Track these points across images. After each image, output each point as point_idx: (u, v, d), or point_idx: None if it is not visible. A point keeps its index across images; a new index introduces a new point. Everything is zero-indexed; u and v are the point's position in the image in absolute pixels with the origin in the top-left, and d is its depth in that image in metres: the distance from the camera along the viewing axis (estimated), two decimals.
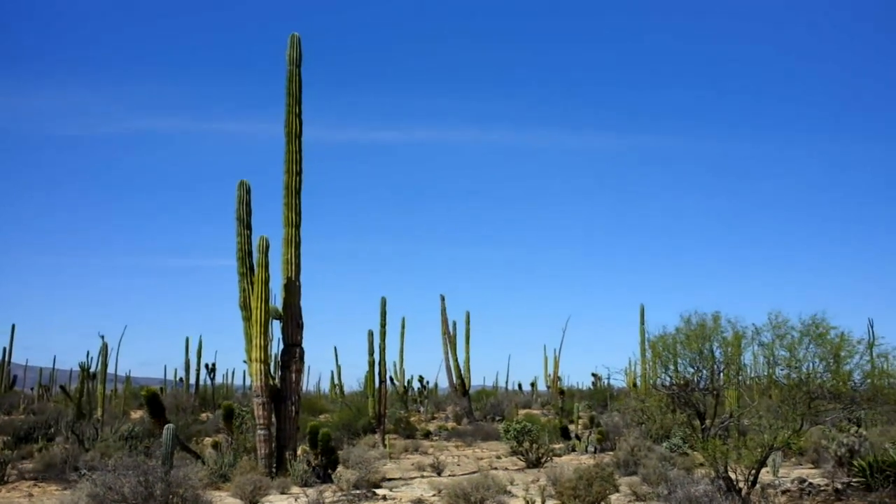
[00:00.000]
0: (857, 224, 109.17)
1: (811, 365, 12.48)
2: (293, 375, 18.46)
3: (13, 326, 47.07)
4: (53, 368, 59.04)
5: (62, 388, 43.52)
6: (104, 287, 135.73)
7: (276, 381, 18.58)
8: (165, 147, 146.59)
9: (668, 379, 13.71)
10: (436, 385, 53.59)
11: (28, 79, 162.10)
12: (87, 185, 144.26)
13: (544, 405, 50.14)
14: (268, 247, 18.19)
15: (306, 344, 18.82)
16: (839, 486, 15.19)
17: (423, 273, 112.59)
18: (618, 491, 14.71)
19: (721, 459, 12.27)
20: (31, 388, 58.11)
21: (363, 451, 19.17)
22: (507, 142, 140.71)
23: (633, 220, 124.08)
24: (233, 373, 62.72)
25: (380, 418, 27.53)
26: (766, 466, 14.67)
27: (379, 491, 16.11)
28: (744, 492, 12.43)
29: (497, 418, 39.20)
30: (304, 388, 27.33)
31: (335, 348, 50.27)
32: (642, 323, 38.55)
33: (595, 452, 24.45)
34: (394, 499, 15.34)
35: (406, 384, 47.17)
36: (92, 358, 32.69)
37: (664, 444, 21.11)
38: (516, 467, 20.74)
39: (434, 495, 15.57)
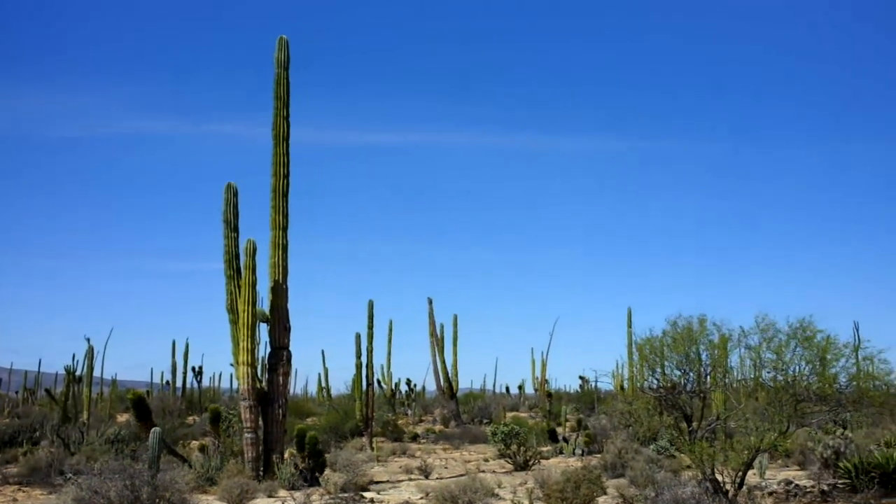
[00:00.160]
0: (844, 227, 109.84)
1: (798, 367, 12.56)
2: (280, 378, 18.41)
3: None
4: (39, 371, 58.73)
5: (47, 391, 43.23)
6: (90, 289, 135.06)
7: (263, 384, 18.52)
8: (152, 149, 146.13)
9: (655, 382, 13.77)
10: (423, 388, 53.62)
11: (13, 80, 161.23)
12: (72, 188, 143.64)
13: (532, 408, 50.18)
14: (255, 250, 18.14)
15: (293, 347, 18.80)
16: (825, 488, 15.27)
17: (411, 276, 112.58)
18: (605, 493, 14.75)
19: (708, 462, 12.31)
20: (16, 392, 57.79)
21: (351, 454, 19.14)
22: (497, 145, 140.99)
23: (622, 222, 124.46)
24: (220, 376, 62.55)
25: (367, 421, 27.49)
26: (753, 468, 14.73)
27: (366, 494, 16.08)
28: (731, 494, 12.48)
29: (485, 421, 39.20)
30: (291, 391, 27.30)
31: (322, 351, 50.26)
32: (629, 326, 38.60)
33: (582, 455, 24.48)
34: (381, 502, 15.32)
35: (393, 387, 47.13)
36: (78, 361, 32.52)
37: (651, 447, 21.16)
38: (504, 470, 20.74)
39: (421, 498, 15.56)
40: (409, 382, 50.50)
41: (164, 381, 52.89)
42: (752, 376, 13.71)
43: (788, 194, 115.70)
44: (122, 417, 36.52)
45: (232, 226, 18.65)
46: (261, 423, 18.04)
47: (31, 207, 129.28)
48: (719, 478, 12.59)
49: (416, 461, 21.98)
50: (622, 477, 17.28)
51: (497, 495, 15.33)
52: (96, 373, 32.32)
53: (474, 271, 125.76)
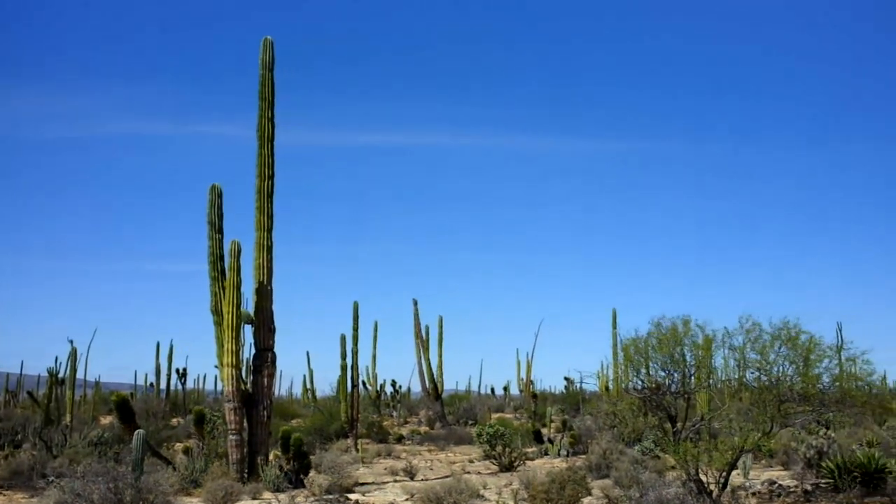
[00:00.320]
0: (828, 229, 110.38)
1: (781, 368, 12.63)
2: (265, 380, 18.35)
3: None
4: (21, 374, 58.16)
5: (29, 393, 42.92)
6: (74, 291, 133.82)
7: (248, 385, 18.46)
8: (136, 150, 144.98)
9: (639, 382, 13.81)
10: (408, 389, 53.54)
11: (2, 80, 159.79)
12: (55, 188, 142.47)
13: (517, 409, 50.22)
14: (239, 251, 18.08)
15: (278, 348, 18.73)
16: (808, 488, 15.37)
17: (396, 277, 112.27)
18: (590, 494, 14.79)
19: (692, 462, 12.37)
20: None
21: (335, 456, 19.11)
22: (481, 146, 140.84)
23: (607, 224, 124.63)
24: (204, 378, 62.29)
25: (352, 423, 27.45)
26: (737, 469, 14.79)
27: (351, 496, 16.06)
28: (715, 494, 12.54)
29: (470, 422, 39.20)
30: (276, 392, 27.18)
31: (307, 353, 50.01)
32: (614, 327, 38.66)
33: (567, 456, 24.53)
34: (366, 503, 15.31)
35: (379, 388, 47.03)
36: (61, 363, 32.28)
37: (636, 448, 21.23)
38: (489, 471, 20.76)
39: (407, 499, 15.55)
40: (394, 384, 50.44)
41: (147, 383, 52.58)
42: (736, 377, 13.77)
43: (772, 196, 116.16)
44: (106, 420, 36.28)
45: (216, 227, 18.57)
46: (245, 424, 17.97)
47: (13, 208, 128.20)
48: (703, 478, 12.64)
49: (401, 463, 21.96)
50: (607, 478, 17.32)
51: (482, 496, 15.34)
52: (79, 375, 32.03)
53: (459, 273, 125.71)
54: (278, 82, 19.47)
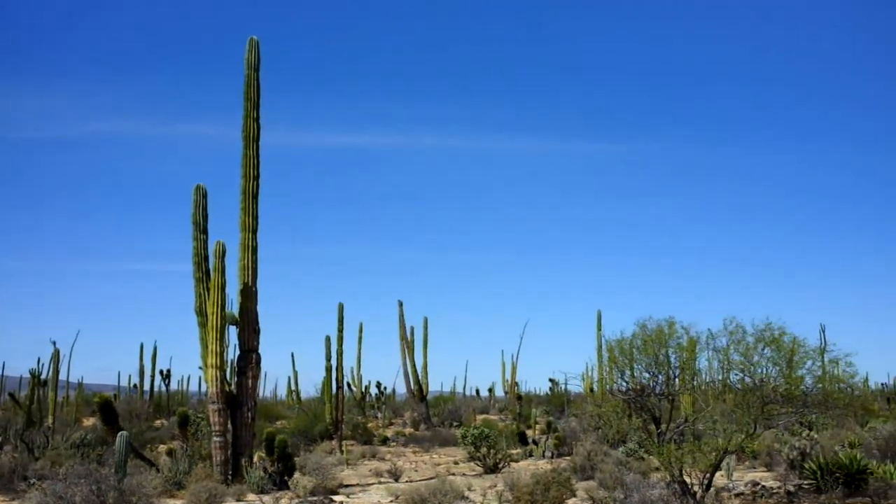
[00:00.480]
0: (812, 231, 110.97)
1: (765, 369, 12.69)
2: (249, 381, 18.29)
3: None
4: (2, 375, 57.65)
5: (11, 395, 42.51)
6: (56, 291, 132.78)
7: (232, 387, 18.41)
8: (120, 150, 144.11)
9: (624, 384, 13.83)
10: (393, 391, 53.44)
11: None
12: (38, 187, 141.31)
13: (502, 410, 50.30)
14: (224, 252, 18.02)
15: (263, 350, 18.68)
16: (791, 489, 15.46)
17: (381, 279, 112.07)
18: (574, 495, 14.82)
19: (676, 463, 12.41)
20: None
21: (320, 458, 19.08)
22: (467, 147, 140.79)
23: (591, 225, 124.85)
24: (188, 379, 61.92)
25: (337, 424, 27.42)
26: (721, 470, 14.86)
27: (336, 497, 16.03)
28: (698, 495, 12.59)
29: (455, 424, 39.20)
30: (260, 394, 27.11)
31: (292, 354, 50.05)
32: (599, 328, 38.86)
33: (552, 457, 24.57)
34: None
35: (363, 390, 47.02)
36: (43, 364, 32.08)
37: (620, 449, 21.28)
38: (474, 473, 20.77)
39: (391, 501, 15.54)
40: (379, 385, 50.42)
41: (131, 385, 52.31)
42: (720, 378, 13.83)
43: (758, 198, 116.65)
44: (89, 421, 36.09)
45: (201, 228, 18.50)
46: (229, 426, 17.91)
47: None
48: (687, 479, 12.69)
49: (385, 464, 21.95)
50: (591, 479, 17.36)
51: (467, 498, 15.34)
52: (62, 376, 31.92)
53: (445, 274, 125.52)
54: (264, 83, 19.45)
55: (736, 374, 13.05)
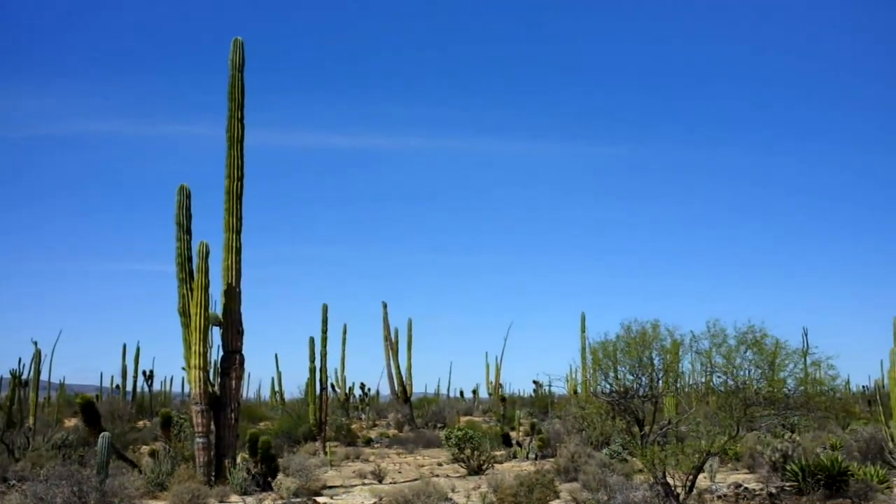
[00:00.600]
0: (795, 234, 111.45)
1: (747, 372, 12.77)
2: (233, 382, 18.22)
3: None
4: None
5: None
6: (38, 291, 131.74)
7: (216, 388, 18.33)
8: (103, 149, 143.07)
9: (608, 386, 13.88)
10: (377, 392, 53.42)
11: None
12: (20, 186, 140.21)
13: (486, 412, 50.28)
14: (208, 252, 17.94)
15: (247, 351, 18.61)
16: (773, 491, 15.56)
17: (366, 280, 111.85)
18: (558, 497, 14.86)
19: (659, 465, 12.46)
20: None
21: (304, 459, 19.05)
22: (453, 149, 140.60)
23: (576, 227, 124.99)
24: (171, 380, 61.36)
25: (321, 426, 27.36)
26: (704, 472, 14.94)
27: (319, 499, 16.00)
28: (681, 497, 12.64)
29: (439, 425, 39.19)
30: (244, 395, 27.05)
31: (276, 355, 49.66)
32: (583, 331, 38.94)
33: (536, 459, 24.62)
34: None
35: (347, 391, 46.91)
36: (24, 364, 31.72)
37: (604, 451, 21.36)
38: (458, 474, 20.77)
39: (375, 503, 15.52)
40: (363, 387, 50.34)
41: (113, 385, 51.95)
42: (702, 381, 13.90)
43: (742, 200, 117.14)
44: (71, 422, 35.78)
45: (184, 228, 18.42)
46: (213, 427, 17.84)
47: None
48: (671, 481, 12.75)
49: (369, 466, 21.92)
50: (575, 481, 17.41)
51: (451, 499, 15.34)
52: (43, 376, 31.66)
53: (429, 276, 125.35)
54: (248, 83, 19.38)
55: (719, 377, 13.13)
